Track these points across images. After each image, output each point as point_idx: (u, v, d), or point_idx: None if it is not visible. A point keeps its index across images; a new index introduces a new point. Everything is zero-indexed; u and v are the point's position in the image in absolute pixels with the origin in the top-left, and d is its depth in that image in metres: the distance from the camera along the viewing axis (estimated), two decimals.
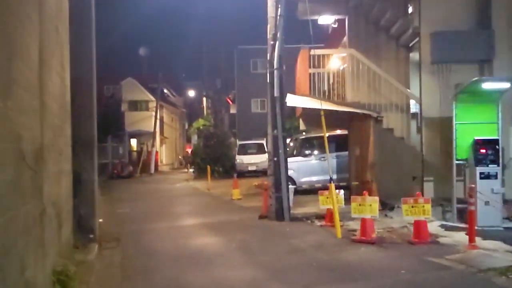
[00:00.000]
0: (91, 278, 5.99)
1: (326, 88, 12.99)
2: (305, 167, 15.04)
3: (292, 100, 11.47)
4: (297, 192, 12.60)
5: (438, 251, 6.66)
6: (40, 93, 4.72)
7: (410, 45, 13.27)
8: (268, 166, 10.36)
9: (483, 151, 9.16)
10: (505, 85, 9.16)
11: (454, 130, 9.63)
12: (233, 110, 38.38)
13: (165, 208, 13.82)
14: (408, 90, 12.45)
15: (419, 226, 7.30)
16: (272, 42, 10.06)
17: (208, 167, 21.11)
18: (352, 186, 12.27)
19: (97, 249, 7.70)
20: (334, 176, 14.82)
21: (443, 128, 11.34)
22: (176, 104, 49.73)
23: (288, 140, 14.88)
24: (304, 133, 18.55)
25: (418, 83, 12.30)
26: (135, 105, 40.06)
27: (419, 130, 14.13)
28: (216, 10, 40.87)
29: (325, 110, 9.76)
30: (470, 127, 9.59)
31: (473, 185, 7.88)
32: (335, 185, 13.24)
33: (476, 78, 9.42)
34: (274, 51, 9.99)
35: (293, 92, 12.82)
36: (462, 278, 5.50)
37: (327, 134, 15.63)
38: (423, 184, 11.41)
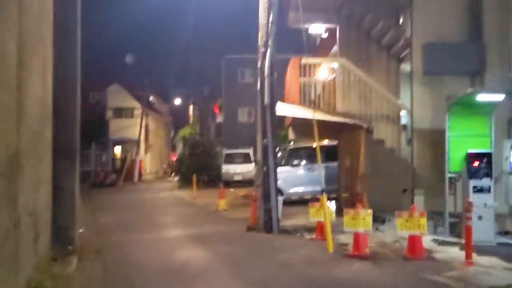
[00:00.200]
0: None
1: (315, 97, 12.79)
2: (293, 178, 14.77)
3: (282, 109, 11.21)
4: (284, 203, 12.31)
5: (434, 268, 6.42)
6: (18, 94, 4.37)
7: (401, 56, 13.18)
8: (257, 176, 10.07)
9: (476, 164, 9.01)
10: (499, 97, 9.05)
11: (446, 143, 9.47)
12: (219, 119, 38.04)
13: (148, 218, 13.40)
14: (399, 101, 12.31)
15: (413, 241, 7.06)
16: (263, 49, 9.83)
17: (194, 176, 20.70)
18: (342, 198, 12.03)
19: (77, 261, 7.27)
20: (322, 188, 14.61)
21: (435, 140, 11.19)
22: (162, 111, 49.22)
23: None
24: (291, 143, 18.33)
25: (408, 94, 12.18)
26: (120, 112, 39.45)
27: (409, 141, 14.02)
28: (204, 19, 40.76)
29: (319, 120, 9.55)
30: (462, 140, 9.45)
31: (471, 200, 7.69)
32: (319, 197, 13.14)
33: (470, 90, 9.31)
34: (265, 58, 9.75)
35: (282, 101, 12.59)
36: None
37: (314, 145, 15.66)
38: (413, 197, 11.25)
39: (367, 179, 11.06)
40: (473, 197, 8.66)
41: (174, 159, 40.70)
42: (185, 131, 35.06)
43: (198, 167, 25.75)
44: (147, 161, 41.73)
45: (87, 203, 16.57)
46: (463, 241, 8.56)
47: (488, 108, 9.28)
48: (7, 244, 3.89)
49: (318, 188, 14.52)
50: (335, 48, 15.92)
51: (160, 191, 24.37)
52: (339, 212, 11.49)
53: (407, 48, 12.27)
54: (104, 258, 7.83)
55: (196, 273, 6.59)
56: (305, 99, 11.95)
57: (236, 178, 25.12)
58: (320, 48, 18.64)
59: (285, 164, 15.25)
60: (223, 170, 25.68)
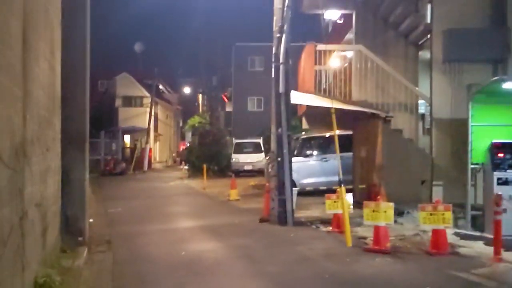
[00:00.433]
0: None
1: (329, 85, 12.40)
2: (306, 168, 14.43)
3: (297, 98, 10.85)
4: (297, 194, 12.00)
5: (461, 264, 6.09)
6: (23, 79, 4.08)
7: (420, 43, 12.72)
8: (271, 166, 9.77)
9: (501, 155, 8.63)
10: None
11: (469, 132, 9.08)
12: (229, 108, 37.74)
13: (159, 208, 13.18)
14: (418, 90, 11.88)
15: (437, 236, 6.73)
16: (278, 35, 9.45)
17: (204, 166, 20.45)
18: (358, 189, 11.68)
19: (87, 253, 7.05)
20: (336, 178, 14.24)
21: (455, 130, 10.80)
22: (171, 100, 48.98)
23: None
24: (303, 133, 17.97)
25: (426, 83, 11.76)
26: (130, 101, 39.28)
27: (425, 131, 13.61)
28: (215, 6, 40.26)
29: (332, 109, 9.18)
30: (486, 130, 9.06)
31: (500, 193, 7.31)
32: (337, 188, 12.78)
33: (496, 78, 8.90)
34: (280, 44, 9.38)
35: (295, 89, 12.22)
36: None
37: (327, 134, 15.30)
38: (432, 188, 10.89)
39: (384, 170, 10.69)
40: (497, 190, 8.30)
41: (183, 148, 40.51)
42: (195, 120, 34.81)
43: (208, 157, 25.54)
44: (157, 150, 41.63)
45: (97, 193, 16.40)
46: (486, 235, 8.26)
47: None
48: (12, 239, 3.63)
49: (331, 179, 14.30)
50: (349, 36, 15.46)
51: (170, 180, 24.18)
52: (356, 203, 11.21)
53: (427, 34, 11.81)
54: (115, 249, 7.61)
55: (210, 267, 6.33)
56: (320, 88, 11.58)
57: (246, 167, 24.88)
58: (333, 36, 18.16)
59: (297, 155, 14.89)
60: (233, 160, 25.43)
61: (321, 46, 11.37)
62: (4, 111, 3.47)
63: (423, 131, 13.38)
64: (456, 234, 8.30)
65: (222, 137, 28.47)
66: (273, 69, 9.57)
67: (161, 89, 44.07)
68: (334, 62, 12.66)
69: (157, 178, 26.01)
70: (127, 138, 38.03)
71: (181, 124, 52.91)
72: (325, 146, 14.88)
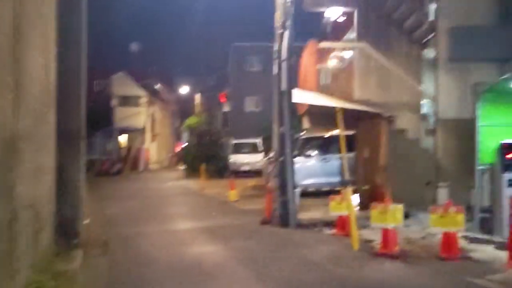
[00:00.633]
0: None
1: (331, 84, 12.16)
2: (307, 169, 14.13)
3: (300, 96, 10.57)
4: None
5: (475, 270, 5.82)
6: (14, 68, 3.78)
7: (424, 41, 12.47)
8: (273, 166, 9.47)
9: (510, 156, 8.36)
10: None
11: (477, 133, 8.81)
12: (226, 108, 37.40)
13: (157, 209, 12.87)
14: (423, 89, 11.63)
15: (448, 240, 6.45)
16: (280, 31, 9.16)
17: (202, 166, 20.13)
18: (362, 190, 11.38)
19: (82, 256, 6.73)
20: (338, 179, 13.99)
21: (460, 130, 10.55)
22: (168, 100, 48.57)
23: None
24: (303, 133, 17.68)
25: (429, 82, 11.53)
26: (126, 101, 38.83)
27: (428, 132, 13.36)
28: (212, 6, 39.97)
29: (337, 108, 8.94)
30: (495, 130, 8.79)
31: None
32: (339, 189, 12.50)
33: (506, 76, 8.63)
34: (283, 40, 9.10)
35: (296, 88, 11.96)
36: None
37: (328, 134, 15.03)
38: (437, 189, 10.64)
39: (388, 171, 10.42)
40: (508, 192, 8.06)
41: (180, 148, 40.15)
42: (192, 120, 34.42)
43: (205, 157, 25.22)
44: (153, 150, 41.24)
45: (92, 193, 16.03)
46: (495, 238, 8.01)
47: None
48: (0, 242, 3.32)
49: (333, 179, 14.04)
50: (348, 36, 15.23)
51: (166, 180, 23.87)
52: (359, 205, 10.94)
53: (431, 32, 11.56)
54: (111, 252, 7.31)
55: (212, 271, 6.04)
56: (323, 86, 11.33)
57: (244, 168, 24.58)
58: (331, 36, 17.90)
59: (298, 155, 14.61)
60: (231, 160, 25.14)
61: (324, 44, 11.11)
62: None
63: (426, 132, 13.15)
64: (465, 237, 8.03)
65: (220, 138, 28.19)
66: (275, 66, 9.27)
67: (158, 88, 43.68)
68: (333, 62, 12.43)
69: (153, 179, 25.70)
70: (123, 138, 37.65)
71: (178, 124, 52.51)
72: (326, 146, 14.59)
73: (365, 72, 11.32)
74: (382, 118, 10.71)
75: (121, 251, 7.49)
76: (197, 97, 45.31)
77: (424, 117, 13.01)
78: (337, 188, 12.17)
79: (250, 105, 35.18)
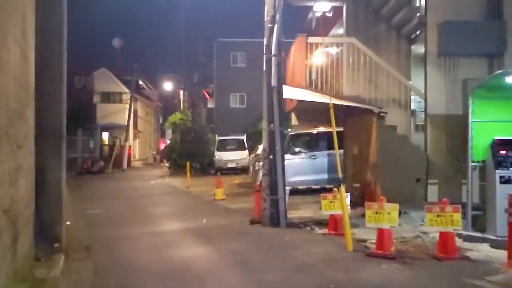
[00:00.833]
0: None
1: (320, 80, 11.91)
2: (294, 166, 13.88)
3: (289, 92, 10.32)
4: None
5: (474, 270, 5.65)
6: None
7: (412, 36, 12.34)
8: (262, 164, 9.22)
9: (503, 152, 8.24)
10: None
11: (470, 129, 8.67)
12: (211, 105, 37.05)
13: (141, 209, 12.50)
14: (412, 85, 11.48)
15: (445, 239, 6.28)
16: (270, 25, 8.89)
17: (188, 164, 19.78)
18: (352, 188, 11.18)
19: (63, 261, 6.39)
20: (326, 176, 13.79)
21: (450, 126, 10.47)
22: (151, 97, 47.93)
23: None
24: (289, 130, 17.45)
25: (418, 78, 11.39)
26: (108, 97, 38.15)
27: (417, 128, 13.26)
28: (196, 1, 39.43)
29: (326, 104, 8.68)
30: (486, 126, 8.66)
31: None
32: (328, 186, 12.30)
33: (499, 71, 8.53)
34: (272, 35, 8.83)
35: (284, 84, 11.68)
36: None
37: (315, 131, 14.82)
38: (427, 186, 10.52)
39: (379, 168, 10.25)
40: (500, 188, 7.96)
41: (164, 145, 39.63)
42: (176, 117, 33.99)
43: (189, 154, 24.91)
44: (136, 148, 40.67)
45: (74, 193, 15.58)
46: (489, 236, 7.88)
47: None
48: None
49: (321, 177, 13.84)
50: (334, 31, 15.01)
51: (150, 178, 23.44)
52: (350, 203, 10.74)
53: (420, 28, 11.44)
54: (94, 256, 6.96)
55: (201, 276, 5.75)
56: (311, 82, 11.08)
57: (230, 165, 24.33)
58: (316, 32, 17.68)
59: (285, 152, 14.37)
60: (216, 157, 24.86)
61: (313, 39, 10.86)
62: None
63: (414, 128, 13.04)
64: (458, 235, 7.89)
65: (204, 134, 27.85)
66: (264, 62, 8.99)
67: (141, 85, 43.03)
68: (321, 57, 12.19)
69: (137, 177, 25.23)
70: (105, 136, 36.98)
71: (161, 121, 51.91)
72: (313, 143, 14.40)
73: (355, 68, 11.09)
74: (372, 114, 10.53)
75: (104, 255, 7.15)
76: (181, 94, 44.81)
77: (413, 113, 12.91)
78: (327, 186, 11.99)
79: (235, 101, 34.90)
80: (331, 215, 8.12)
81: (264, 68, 8.97)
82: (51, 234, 6.90)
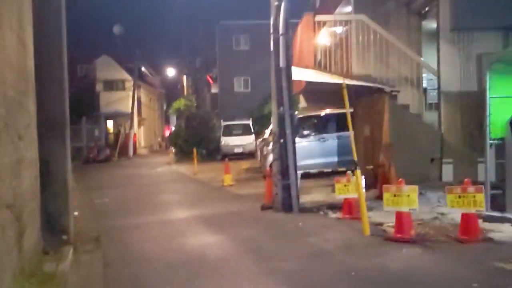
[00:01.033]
0: None
1: (327, 60, 11.56)
2: (303, 150, 13.57)
3: (298, 73, 9.99)
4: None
5: (500, 253, 5.39)
6: None
7: (423, 11, 11.92)
8: (273, 149, 8.96)
9: None
10: None
11: (487, 105, 8.34)
12: (214, 90, 36.62)
13: (149, 196, 12.33)
14: (425, 62, 11.12)
15: (468, 221, 6.03)
16: (276, 3, 8.54)
17: (194, 150, 19.56)
18: (366, 170, 10.88)
19: (72, 254, 6.20)
20: (335, 159, 13.49)
21: (465, 103, 10.14)
22: (154, 83, 47.60)
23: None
24: (296, 112, 17.12)
25: (430, 55, 11.03)
26: (111, 85, 37.85)
27: (429, 106, 12.92)
28: None
29: (335, 85, 8.39)
30: (504, 102, 8.33)
31: None
32: (340, 169, 12.03)
33: None
34: (279, 13, 8.48)
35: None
36: None
37: (323, 113, 14.48)
38: (441, 166, 10.25)
39: (392, 148, 9.95)
40: None
41: (169, 132, 39.41)
42: (180, 103, 33.66)
43: (195, 140, 24.70)
44: (141, 135, 40.52)
45: (80, 182, 15.46)
46: (509, 215, 7.62)
47: None
48: None
49: (331, 159, 13.55)
50: (339, 9, 14.55)
51: (157, 165, 23.27)
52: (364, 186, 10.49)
53: (430, 2, 11.03)
54: (104, 248, 6.77)
55: (216, 266, 5.54)
56: (320, 62, 10.75)
57: (236, 150, 24.04)
58: (321, 10, 17.21)
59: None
60: (222, 143, 24.59)
61: (320, 17, 10.49)
62: None
63: (426, 106, 12.70)
64: (478, 215, 7.64)
65: (210, 120, 27.57)
66: (271, 42, 8.66)
67: (143, 71, 42.64)
68: (327, 37, 11.83)
69: (143, 164, 25.08)
70: (110, 124, 36.79)
71: (165, 108, 51.64)
72: (322, 125, 14.07)
73: (364, 46, 10.74)
74: (384, 94, 10.21)
75: (114, 246, 6.96)
76: (184, 79, 44.43)
77: (425, 91, 12.56)
78: (339, 169, 11.73)
79: (239, 85, 34.47)
80: (345, 199, 7.88)
81: (272, 49, 8.65)
82: (59, 226, 6.74)
